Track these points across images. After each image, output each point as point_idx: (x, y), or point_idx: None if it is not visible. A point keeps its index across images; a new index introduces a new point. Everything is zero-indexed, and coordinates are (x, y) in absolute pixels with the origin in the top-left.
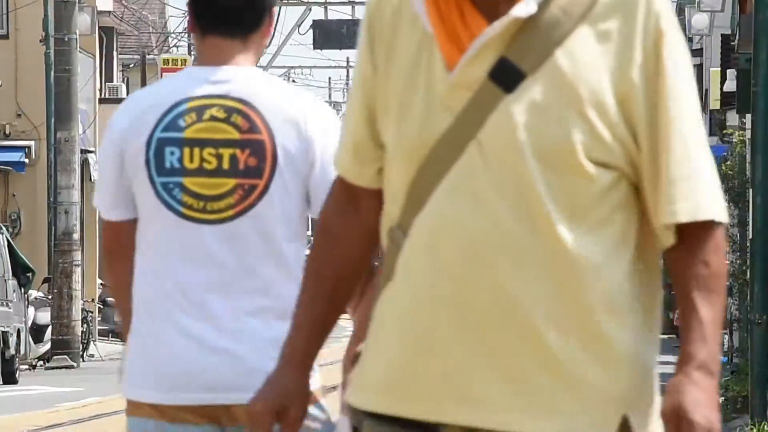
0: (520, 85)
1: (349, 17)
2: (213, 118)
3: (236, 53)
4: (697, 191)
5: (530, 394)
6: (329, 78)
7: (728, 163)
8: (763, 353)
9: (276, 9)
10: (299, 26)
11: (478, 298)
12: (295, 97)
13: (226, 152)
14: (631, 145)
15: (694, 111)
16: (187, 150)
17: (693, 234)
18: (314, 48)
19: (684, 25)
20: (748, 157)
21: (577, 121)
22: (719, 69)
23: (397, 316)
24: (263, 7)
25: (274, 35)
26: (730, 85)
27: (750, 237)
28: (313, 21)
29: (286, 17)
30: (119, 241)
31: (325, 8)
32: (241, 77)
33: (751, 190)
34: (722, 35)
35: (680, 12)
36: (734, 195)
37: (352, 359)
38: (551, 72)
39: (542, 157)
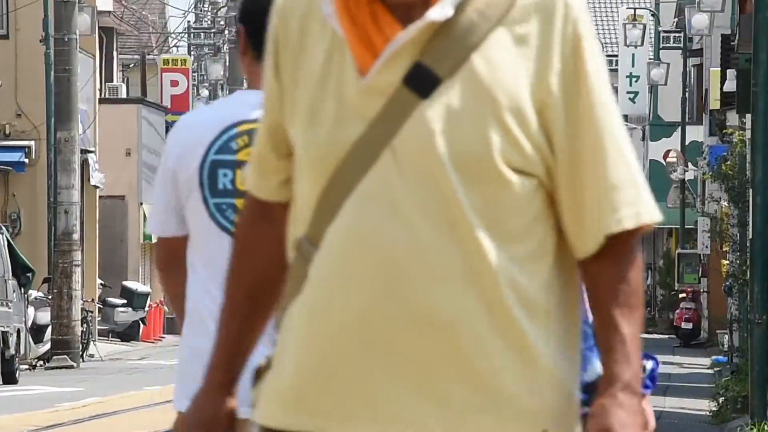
0: (435, 90)
1: None
2: None
3: None
4: (640, 196)
5: (446, 408)
6: None
7: (728, 163)
8: (763, 353)
9: None
10: None
11: (393, 312)
12: None
13: None
14: (548, 152)
15: (619, 115)
16: (239, 172)
17: (615, 244)
18: None
19: (684, 25)
20: (748, 157)
21: (495, 128)
22: (719, 69)
23: (308, 330)
24: None
25: None
26: (730, 85)
27: (750, 237)
28: None
29: None
30: (174, 255)
31: None
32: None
33: (751, 190)
34: (722, 35)
35: (680, 12)
36: (734, 195)
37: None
38: (468, 77)
39: (460, 165)
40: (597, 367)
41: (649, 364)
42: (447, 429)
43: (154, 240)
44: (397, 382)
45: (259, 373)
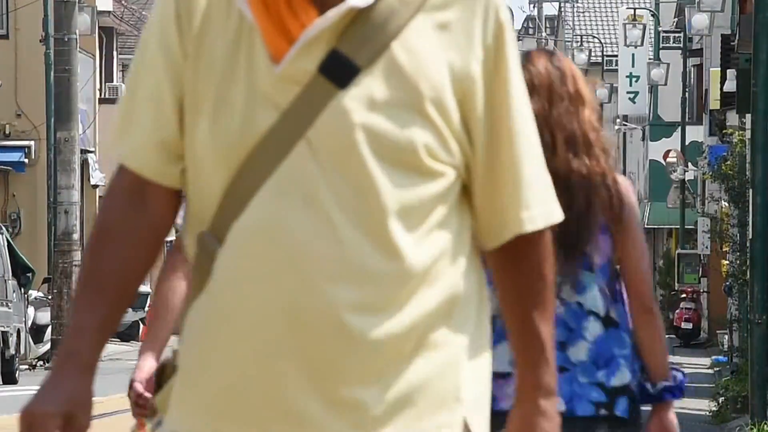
0: (354, 80)
1: None
2: None
3: None
4: (549, 193)
5: (361, 410)
6: None
7: (728, 163)
8: (763, 353)
9: None
10: None
11: (307, 310)
12: None
13: None
14: (467, 144)
15: (528, 106)
16: None
17: (526, 240)
18: None
19: (684, 25)
20: (748, 157)
21: (417, 119)
22: (719, 69)
23: (218, 330)
24: None
25: None
26: (730, 85)
27: (750, 237)
28: None
29: None
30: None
31: None
32: None
33: (751, 190)
34: (722, 35)
35: (680, 12)
36: (734, 195)
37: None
38: (388, 66)
39: (380, 157)
40: (626, 375)
41: (679, 376)
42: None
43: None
44: (315, 387)
45: (162, 372)
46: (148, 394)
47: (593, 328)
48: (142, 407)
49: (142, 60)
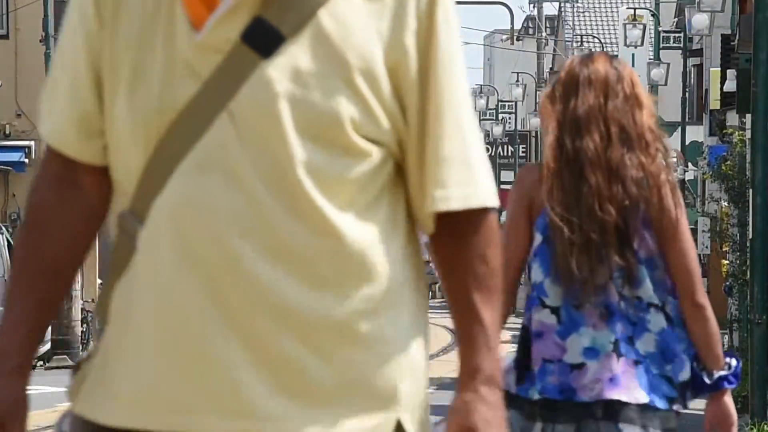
0: (278, 49)
1: None
2: None
3: None
4: (473, 174)
5: (303, 400)
6: None
7: (728, 163)
8: (763, 353)
9: None
10: None
11: (233, 291)
12: None
13: None
14: (400, 120)
15: (465, 84)
16: None
17: (466, 222)
18: None
19: (684, 25)
20: (748, 157)
21: (345, 92)
22: (719, 69)
23: (142, 314)
24: None
25: None
26: (730, 85)
27: (750, 237)
28: None
29: None
30: None
31: None
32: None
33: (751, 190)
34: (722, 35)
35: (680, 12)
36: (734, 195)
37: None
38: (315, 35)
39: (305, 131)
40: (689, 370)
41: (733, 362)
42: (304, 423)
43: None
44: (247, 372)
45: (80, 362)
46: None
47: (656, 320)
48: None
49: (64, 31)
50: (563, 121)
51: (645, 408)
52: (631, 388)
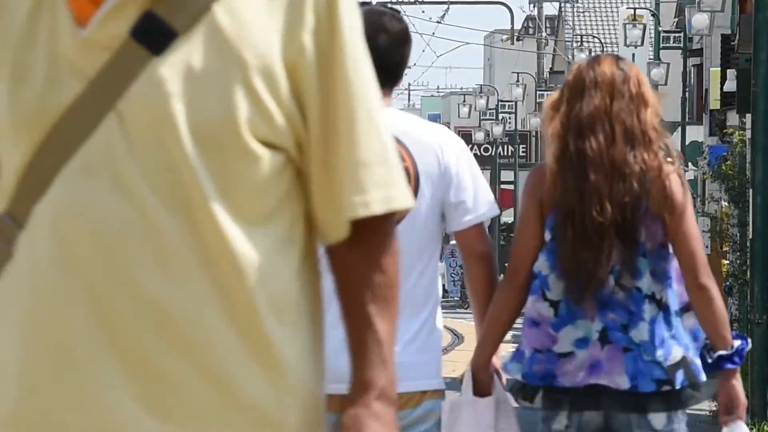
0: (170, 45)
1: None
2: None
3: (384, 100)
4: (392, 175)
5: (177, 419)
6: None
7: (728, 163)
8: (763, 353)
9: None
10: None
11: (115, 304)
12: (432, 130)
13: None
14: (299, 123)
15: (374, 82)
16: None
17: (367, 230)
18: None
19: (684, 25)
20: (748, 157)
21: (241, 92)
22: (719, 69)
23: (17, 326)
24: (403, 66)
25: None
26: (730, 85)
27: (750, 237)
28: None
29: None
30: None
31: None
32: (388, 118)
33: (751, 190)
34: (722, 35)
35: (680, 12)
36: (734, 195)
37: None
38: (209, 32)
39: (198, 134)
40: (679, 351)
41: (736, 343)
42: None
43: None
44: (129, 391)
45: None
46: None
47: (650, 310)
48: None
49: None
50: (568, 123)
51: (625, 394)
52: (613, 374)
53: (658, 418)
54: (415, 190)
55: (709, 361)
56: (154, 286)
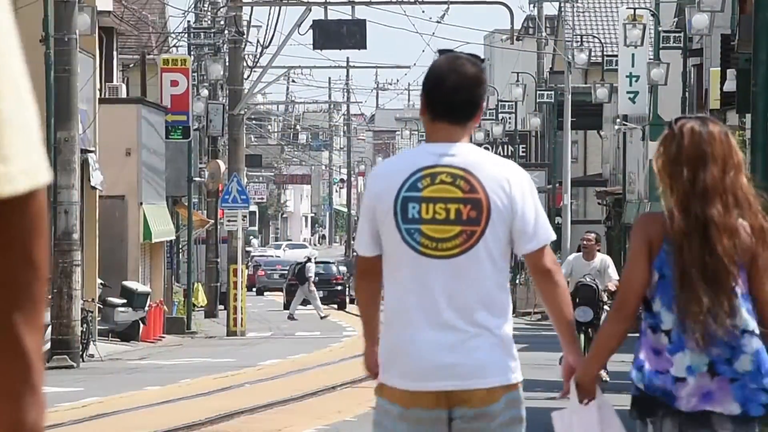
0: None
1: (349, 17)
2: (442, 182)
3: (458, 135)
4: (34, 143)
5: None
6: (329, 78)
7: None
8: None
9: (484, 103)
10: (299, 26)
11: None
12: (502, 165)
13: (453, 207)
14: None
15: (16, 45)
16: (424, 205)
17: (11, 209)
18: (314, 48)
19: (684, 25)
20: (748, 157)
21: None
22: (719, 69)
23: None
24: (478, 104)
25: (273, 35)
26: (730, 85)
27: None
28: (313, 21)
29: (285, 17)
30: (373, 269)
31: (325, 8)
32: (462, 151)
33: None
34: (722, 35)
35: (680, 12)
36: None
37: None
38: None
39: None
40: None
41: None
42: None
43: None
44: None
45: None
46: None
47: (751, 343)
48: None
49: None
50: (693, 190)
51: (737, 419)
52: (724, 402)
53: None
54: (487, 218)
55: None
56: None
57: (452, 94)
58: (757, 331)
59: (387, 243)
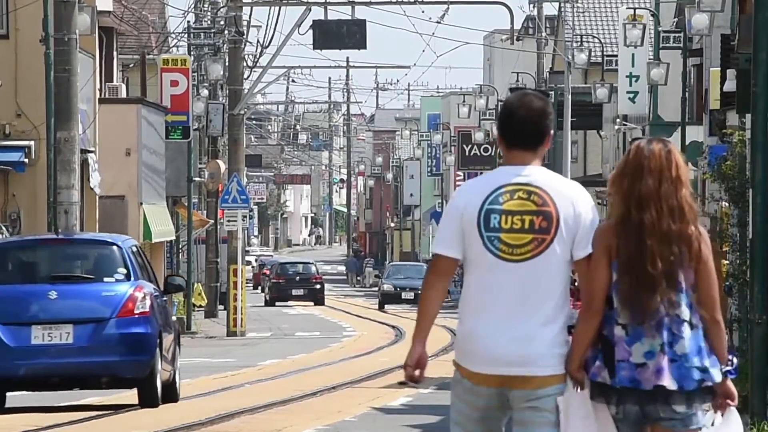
0: None
1: (349, 17)
2: (520, 198)
3: (529, 158)
4: None
5: None
6: (329, 78)
7: (728, 163)
8: (763, 353)
9: (552, 131)
10: (299, 26)
11: None
12: (570, 185)
13: (528, 218)
14: None
15: None
16: (503, 216)
17: None
18: (314, 48)
19: (684, 25)
20: (748, 157)
21: None
22: (719, 69)
23: None
24: (547, 132)
25: (273, 35)
26: (730, 85)
27: (750, 237)
28: (313, 21)
29: (285, 17)
30: (447, 270)
31: (325, 8)
32: (535, 172)
33: (751, 190)
34: (722, 35)
35: (680, 12)
36: (734, 195)
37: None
38: None
39: None
40: (714, 357)
41: (735, 360)
42: None
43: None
44: None
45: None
46: (417, 373)
47: (686, 331)
48: (416, 382)
49: None
50: (630, 196)
51: (683, 392)
52: (668, 378)
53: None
54: (556, 227)
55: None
56: None
57: (522, 126)
58: (694, 321)
59: (470, 248)
